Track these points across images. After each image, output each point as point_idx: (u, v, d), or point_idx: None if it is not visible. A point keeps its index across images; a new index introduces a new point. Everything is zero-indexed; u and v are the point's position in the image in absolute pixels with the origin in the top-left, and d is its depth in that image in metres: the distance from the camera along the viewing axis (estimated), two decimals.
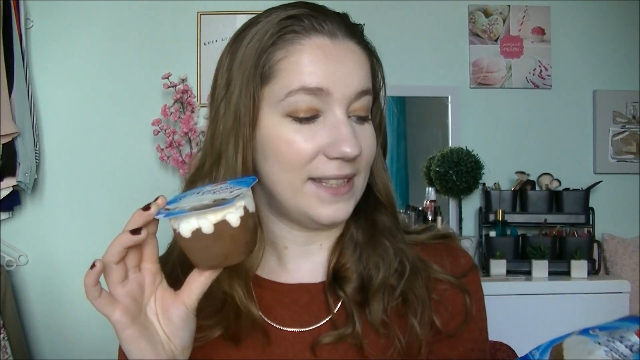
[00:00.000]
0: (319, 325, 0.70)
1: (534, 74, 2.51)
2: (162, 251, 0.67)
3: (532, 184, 2.44)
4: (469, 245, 2.31)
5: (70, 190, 2.41)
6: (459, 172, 2.31)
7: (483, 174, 2.34)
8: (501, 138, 2.51)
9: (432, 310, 0.71)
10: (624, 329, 0.53)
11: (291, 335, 0.70)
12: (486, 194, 2.41)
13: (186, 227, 0.54)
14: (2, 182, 2.19)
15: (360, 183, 0.69)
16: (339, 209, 0.67)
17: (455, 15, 2.52)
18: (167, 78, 2.27)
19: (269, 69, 0.65)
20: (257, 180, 0.61)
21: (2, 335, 2.04)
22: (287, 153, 0.65)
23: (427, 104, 2.60)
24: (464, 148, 2.36)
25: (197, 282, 0.59)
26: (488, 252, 2.32)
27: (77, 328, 2.35)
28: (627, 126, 2.52)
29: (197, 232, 0.54)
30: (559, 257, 2.32)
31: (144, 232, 0.55)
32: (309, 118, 0.65)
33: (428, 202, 2.44)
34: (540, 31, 2.51)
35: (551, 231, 2.36)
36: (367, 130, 0.69)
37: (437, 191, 2.42)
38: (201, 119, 2.37)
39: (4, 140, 2.15)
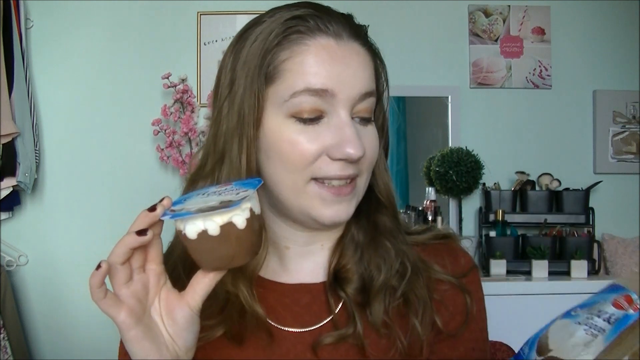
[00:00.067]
0: (320, 325, 0.71)
1: (534, 74, 2.51)
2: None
3: (532, 184, 2.44)
4: (469, 245, 2.31)
5: (70, 190, 2.41)
6: (459, 172, 2.31)
7: (483, 174, 2.35)
8: (501, 138, 2.51)
9: (433, 311, 0.71)
10: (601, 302, 0.54)
11: (292, 336, 0.70)
12: (486, 194, 2.41)
13: (192, 229, 0.54)
14: (2, 182, 2.19)
15: (362, 184, 0.70)
16: (341, 210, 0.67)
17: (455, 15, 2.52)
18: (167, 78, 2.27)
19: (274, 69, 0.65)
20: (262, 182, 0.61)
21: (2, 335, 2.04)
22: (291, 154, 0.65)
23: (427, 104, 2.60)
24: (464, 148, 2.37)
25: (202, 284, 0.58)
26: (488, 252, 2.32)
27: (77, 328, 2.35)
28: (627, 126, 2.52)
29: (203, 234, 0.54)
30: (559, 257, 2.32)
31: (149, 233, 0.55)
32: (313, 119, 0.65)
33: (428, 202, 2.44)
34: (540, 31, 2.52)
35: (551, 231, 2.36)
36: (370, 132, 0.69)
37: (437, 191, 2.42)
38: (201, 119, 2.37)
39: (4, 140, 2.15)
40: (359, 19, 0.71)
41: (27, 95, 2.28)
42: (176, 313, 0.59)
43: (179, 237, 0.57)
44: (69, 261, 2.36)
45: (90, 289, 0.54)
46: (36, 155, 2.29)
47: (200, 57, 2.43)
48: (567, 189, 2.42)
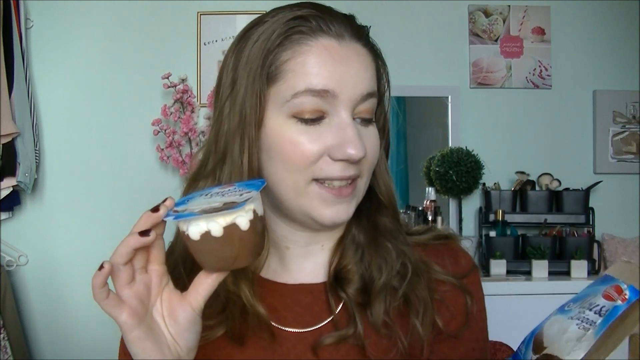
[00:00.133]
0: (320, 325, 0.71)
1: (534, 74, 2.51)
2: None
3: (532, 184, 2.45)
4: (469, 245, 2.31)
5: (70, 190, 2.41)
6: (459, 172, 2.31)
7: (483, 174, 2.35)
8: (501, 138, 2.51)
9: (434, 311, 0.71)
10: (592, 295, 0.54)
11: (293, 336, 0.70)
12: (486, 194, 2.41)
13: (195, 230, 0.54)
14: (2, 182, 2.19)
15: (362, 185, 0.70)
16: (341, 210, 0.67)
17: (455, 15, 2.52)
18: (167, 78, 2.27)
19: (276, 70, 0.65)
20: (265, 183, 0.61)
21: (2, 335, 2.04)
22: (292, 154, 0.65)
23: (427, 104, 2.60)
24: (464, 148, 2.37)
25: (204, 284, 0.58)
26: (488, 252, 2.33)
27: (77, 328, 2.35)
28: (627, 126, 2.52)
29: (206, 235, 0.54)
30: (559, 257, 2.32)
31: (152, 234, 0.55)
32: (315, 119, 0.65)
33: (428, 202, 2.45)
34: (540, 31, 2.52)
35: (551, 231, 2.36)
36: (372, 133, 0.69)
37: (437, 191, 2.42)
38: (201, 119, 2.36)
39: (4, 140, 2.15)
40: (359, 19, 0.71)
41: (27, 95, 2.28)
42: (178, 314, 0.59)
43: (182, 237, 0.57)
44: (69, 261, 2.36)
45: (93, 289, 0.54)
46: (36, 155, 2.29)
47: (200, 57, 2.43)
48: (567, 189, 2.42)
